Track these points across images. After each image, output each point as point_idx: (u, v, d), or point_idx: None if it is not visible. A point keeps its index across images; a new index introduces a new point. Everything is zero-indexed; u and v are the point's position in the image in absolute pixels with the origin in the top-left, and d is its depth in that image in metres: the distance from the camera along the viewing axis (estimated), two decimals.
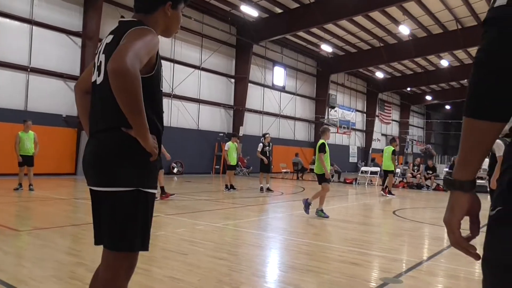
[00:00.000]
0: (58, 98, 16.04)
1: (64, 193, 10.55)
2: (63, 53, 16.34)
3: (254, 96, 25.38)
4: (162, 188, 9.09)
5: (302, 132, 29.48)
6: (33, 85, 15.49)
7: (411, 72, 34.35)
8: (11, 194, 9.44)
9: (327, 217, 7.50)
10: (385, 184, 13.10)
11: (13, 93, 14.96)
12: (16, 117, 13.96)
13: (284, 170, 22.26)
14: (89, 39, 16.44)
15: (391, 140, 13.62)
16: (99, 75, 1.85)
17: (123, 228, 1.75)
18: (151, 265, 3.87)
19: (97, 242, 1.90)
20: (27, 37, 15.33)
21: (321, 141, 7.96)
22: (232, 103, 23.90)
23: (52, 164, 15.44)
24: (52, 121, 15.68)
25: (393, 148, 12.95)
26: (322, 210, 7.65)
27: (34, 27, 15.44)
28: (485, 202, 1.12)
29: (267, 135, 13.16)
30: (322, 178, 7.82)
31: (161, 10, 1.92)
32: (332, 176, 20.61)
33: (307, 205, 7.59)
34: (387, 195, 12.64)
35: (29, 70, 15.31)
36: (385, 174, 13.28)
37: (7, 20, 14.76)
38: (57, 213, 7.26)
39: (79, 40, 16.79)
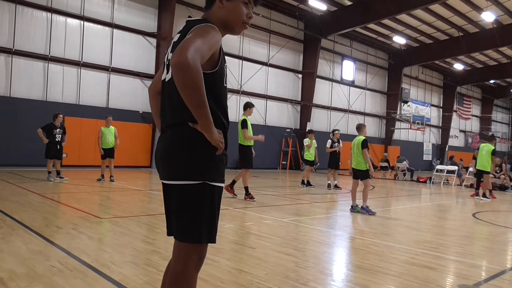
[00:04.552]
0: (135, 96, 17.09)
1: (140, 185, 11.23)
2: (139, 53, 17.36)
3: (322, 91, 25.01)
4: (246, 188, 8.64)
5: (372, 128, 28.51)
6: (113, 83, 16.66)
7: (495, 63, 31.61)
8: (94, 184, 10.27)
9: (371, 213, 7.53)
10: (479, 186, 12.10)
11: (97, 92, 16.22)
12: (99, 113, 15.15)
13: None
14: (163, 39, 17.28)
15: (490, 138, 12.28)
16: (167, 72, 1.92)
17: (190, 221, 1.81)
18: (220, 256, 3.99)
19: (169, 233, 1.99)
20: (108, 39, 16.50)
21: (362, 137, 8.00)
22: (299, 98, 23.78)
23: (130, 157, 16.53)
24: (130, 117, 16.77)
25: (493, 148, 11.80)
26: (358, 206, 7.74)
27: (114, 30, 16.58)
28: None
29: (336, 132, 12.94)
30: (364, 174, 7.86)
31: (217, 3, 1.94)
32: (404, 174, 19.72)
33: (367, 210, 7.60)
34: (482, 198, 11.50)
35: (110, 70, 16.49)
36: (480, 174, 12.02)
37: (92, 25, 16.02)
38: (134, 203, 7.76)
39: (154, 41, 17.73)
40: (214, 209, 1.86)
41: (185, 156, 1.80)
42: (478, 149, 12.33)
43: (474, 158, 13.40)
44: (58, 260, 3.61)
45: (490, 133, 13.41)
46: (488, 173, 11.76)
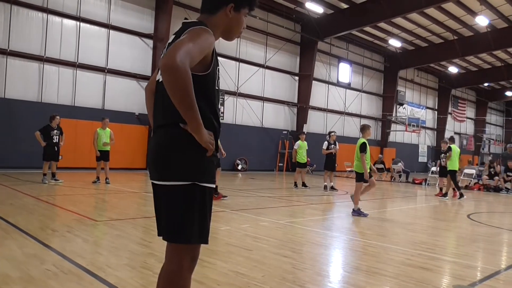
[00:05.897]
0: (132, 97, 17.05)
1: (136, 187, 11.20)
2: (136, 55, 17.32)
3: (318, 94, 25.07)
4: (215, 188, 8.85)
5: None
6: (109, 85, 16.61)
7: (489, 66, 31.84)
8: (89, 187, 10.22)
9: (366, 215, 7.46)
10: (453, 186, 12.25)
11: (92, 93, 16.17)
12: (94, 115, 15.07)
13: (349, 169, 21.74)
14: (160, 40, 17.26)
15: (453, 139, 12.56)
16: None
17: (179, 221, 1.80)
18: (216, 258, 3.98)
19: (159, 234, 1.99)
20: (105, 40, 16.46)
21: (362, 140, 7.76)
22: (296, 100, 23.82)
23: (125, 159, 16.47)
24: (126, 119, 16.71)
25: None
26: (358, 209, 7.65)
27: (111, 31, 16.54)
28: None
29: (333, 133, 12.97)
30: (360, 177, 7.73)
31: (222, 11, 1.95)
32: (400, 176, 19.79)
33: (359, 213, 7.52)
34: (444, 197, 11.84)
35: (106, 71, 16.44)
36: (453, 174, 12.15)
37: (88, 26, 15.98)
38: (130, 205, 7.74)
39: (150, 42, 17.70)
40: (205, 210, 1.86)
41: (175, 157, 1.81)
42: (448, 150, 12.30)
43: (442, 158, 13.13)
44: (53, 264, 3.59)
45: (452, 136, 13.55)
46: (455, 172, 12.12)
